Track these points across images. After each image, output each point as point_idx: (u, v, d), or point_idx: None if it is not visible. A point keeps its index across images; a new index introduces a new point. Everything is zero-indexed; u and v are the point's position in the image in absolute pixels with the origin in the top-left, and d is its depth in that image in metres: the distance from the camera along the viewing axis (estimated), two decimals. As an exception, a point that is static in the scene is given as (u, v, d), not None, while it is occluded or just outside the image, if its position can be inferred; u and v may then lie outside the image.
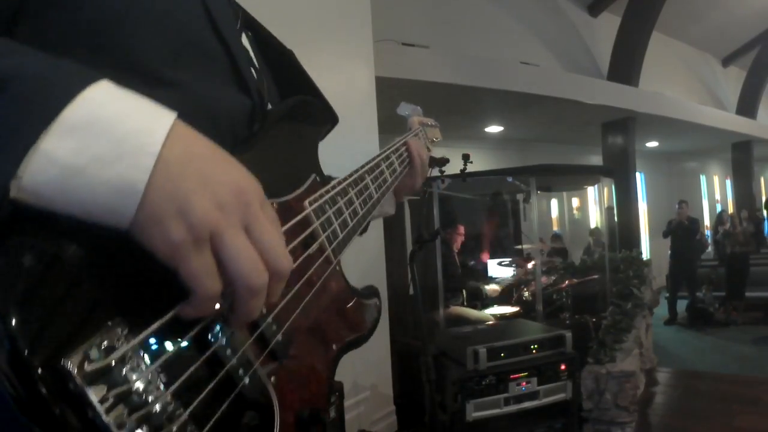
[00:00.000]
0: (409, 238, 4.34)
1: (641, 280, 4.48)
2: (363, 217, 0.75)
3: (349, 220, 0.70)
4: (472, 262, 5.63)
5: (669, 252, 7.73)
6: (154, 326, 0.39)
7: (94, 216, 0.36)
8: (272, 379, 0.51)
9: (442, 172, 3.06)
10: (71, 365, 0.33)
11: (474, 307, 4.77)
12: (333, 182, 0.70)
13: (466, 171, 3.16)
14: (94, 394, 0.34)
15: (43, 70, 0.37)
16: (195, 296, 0.40)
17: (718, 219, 9.44)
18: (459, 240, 4.92)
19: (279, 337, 0.53)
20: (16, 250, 0.34)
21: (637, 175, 9.09)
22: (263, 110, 0.67)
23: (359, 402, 3.21)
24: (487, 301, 4.98)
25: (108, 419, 0.34)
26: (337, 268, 0.69)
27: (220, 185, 0.40)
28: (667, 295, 7.78)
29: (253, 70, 0.69)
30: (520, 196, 5.91)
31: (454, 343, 2.98)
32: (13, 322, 0.32)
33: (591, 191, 9.57)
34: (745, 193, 12.14)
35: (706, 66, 12.50)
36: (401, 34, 5.55)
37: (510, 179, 4.89)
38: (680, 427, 3.73)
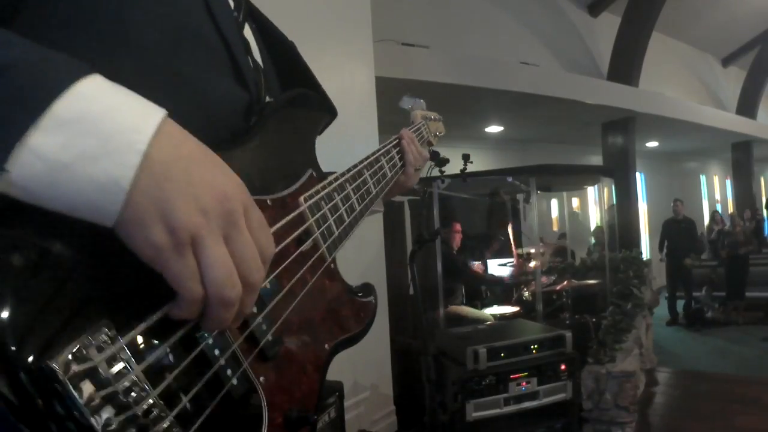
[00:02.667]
0: (409, 238, 4.34)
1: (641, 280, 4.47)
2: (360, 213, 0.74)
3: (345, 216, 0.69)
4: (476, 262, 5.62)
5: (665, 252, 7.75)
6: (142, 326, 0.39)
7: (79, 212, 0.36)
8: (261, 379, 0.50)
9: (442, 172, 3.06)
10: (58, 365, 0.33)
11: (474, 306, 4.77)
12: (330, 178, 0.69)
13: (466, 171, 3.16)
14: (80, 395, 0.33)
15: (35, 62, 0.36)
16: (180, 298, 0.40)
17: (712, 219, 9.44)
18: (458, 238, 4.91)
19: (269, 336, 0.52)
20: (4, 246, 0.34)
21: (637, 175, 9.09)
22: (260, 103, 0.66)
23: (359, 402, 3.21)
24: (487, 301, 4.98)
25: (94, 420, 0.33)
26: (332, 265, 0.68)
27: (204, 189, 0.40)
28: (667, 295, 7.78)
29: (251, 63, 0.68)
30: (520, 196, 5.90)
31: (454, 343, 2.98)
32: (3, 326, 0.32)
33: (591, 191, 9.57)
34: (745, 193, 12.13)
35: (706, 66, 12.50)
36: (401, 34, 5.55)
37: (510, 179, 4.89)
38: (680, 427, 3.73)
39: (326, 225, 0.64)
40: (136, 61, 0.51)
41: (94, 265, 0.38)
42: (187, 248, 0.38)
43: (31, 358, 0.32)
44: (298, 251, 0.58)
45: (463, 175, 3.20)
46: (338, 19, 3.30)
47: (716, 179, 14.64)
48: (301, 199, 0.61)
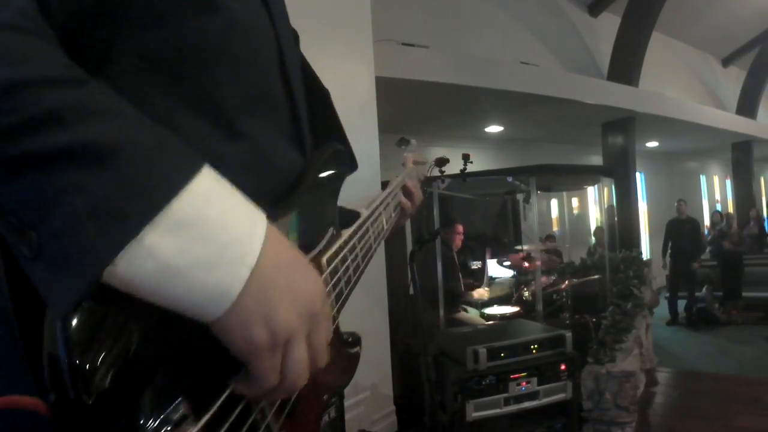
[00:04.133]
0: (409, 238, 4.34)
1: (641, 280, 4.47)
2: (361, 272, 0.75)
3: (352, 276, 0.70)
4: (477, 264, 5.62)
5: (669, 252, 7.72)
6: (214, 409, 0.41)
7: (181, 311, 0.37)
8: None
9: (442, 172, 3.06)
10: None
11: (474, 306, 4.77)
12: (344, 237, 0.68)
13: (466, 171, 3.15)
14: None
15: (152, 146, 0.35)
16: (257, 386, 0.42)
17: (712, 221, 9.43)
18: (458, 239, 4.90)
19: (293, 399, 0.56)
20: (95, 325, 0.34)
21: (637, 175, 9.09)
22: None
23: (359, 402, 3.21)
24: (487, 301, 4.97)
25: None
26: (337, 323, 0.70)
27: (300, 294, 0.43)
28: (668, 295, 7.77)
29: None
30: (520, 196, 5.90)
31: (454, 343, 2.98)
32: (92, 396, 0.33)
33: (591, 191, 9.56)
34: (745, 193, 12.13)
35: (706, 66, 12.49)
36: (401, 34, 5.54)
37: (510, 179, 4.88)
38: (680, 427, 3.73)
39: (338, 288, 0.65)
40: (214, 126, 0.50)
41: (170, 343, 0.40)
42: (281, 348, 0.41)
43: None
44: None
45: (463, 175, 3.19)
46: (338, 19, 3.30)
47: (716, 179, 14.64)
48: (324, 261, 0.61)
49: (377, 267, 3.54)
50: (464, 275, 5.03)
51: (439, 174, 3.09)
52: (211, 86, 0.50)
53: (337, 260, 0.63)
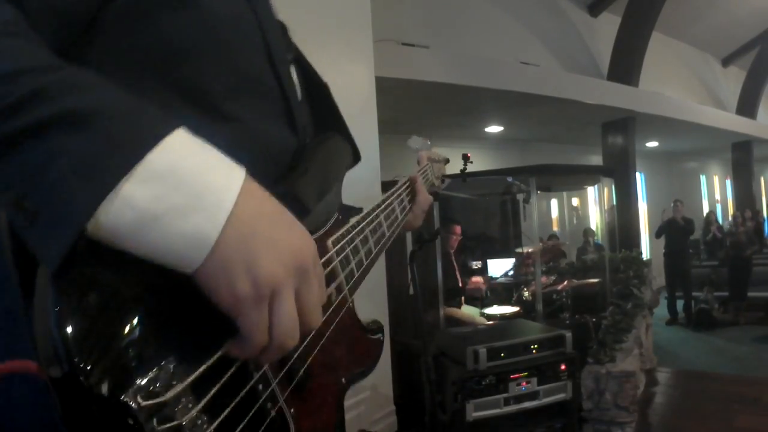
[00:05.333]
0: (409, 238, 4.34)
1: (641, 280, 4.47)
2: (376, 255, 0.77)
3: (364, 259, 0.72)
4: (477, 264, 5.61)
5: (663, 252, 7.74)
6: (203, 368, 0.41)
7: (162, 259, 0.37)
8: (292, 410, 0.53)
9: (442, 172, 3.05)
10: (131, 400, 0.35)
11: (475, 305, 4.77)
12: (352, 221, 0.71)
13: (466, 171, 3.14)
14: (150, 428, 0.35)
15: (126, 110, 0.37)
16: (247, 345, 0.42)
17: (707, 220, 9.43)
18: (455, 241, 4.88)
19: (301, 372, 0.56)
20: (85, 286, 0.35)
21: (637, 175, 9.09)
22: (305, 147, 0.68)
23: (359, 402, 3.20)
24: (486, 301, 4.97)
25: None
26: (351, 305, 0.72)
27: (284, 246, 0.42)
28: (667, 295, 7.78)
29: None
30: (520, 196, 5.90)
31: (454, 343, 2.97)
32: (80, 355, 0.33)
33: (591, 191, 9.56)
34: (745, 193, 12.13)
35: (706, 66, 12.49)
36: (401, 34, 5.54)
37: (510, 179, 4.88)
38: (680, 427, 3.73)
39: (349, 268, 0.67)
40: (203, 109, 0.53)
41: (160, 304, 0.40)
42: (266, 301, 0.41)
43: (106, 391, 0.34)
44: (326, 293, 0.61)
45: (463, 175, 3.18)
46: (338, 19, 3.30)
47: (716, 179, 14.64)
48: (330, 242, 0.63)
49: (377, 267, 3.52)
50: (464, 274, 5.02)
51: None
52: (195, 74, 0.53)
53: (343, 242, 0.65)
